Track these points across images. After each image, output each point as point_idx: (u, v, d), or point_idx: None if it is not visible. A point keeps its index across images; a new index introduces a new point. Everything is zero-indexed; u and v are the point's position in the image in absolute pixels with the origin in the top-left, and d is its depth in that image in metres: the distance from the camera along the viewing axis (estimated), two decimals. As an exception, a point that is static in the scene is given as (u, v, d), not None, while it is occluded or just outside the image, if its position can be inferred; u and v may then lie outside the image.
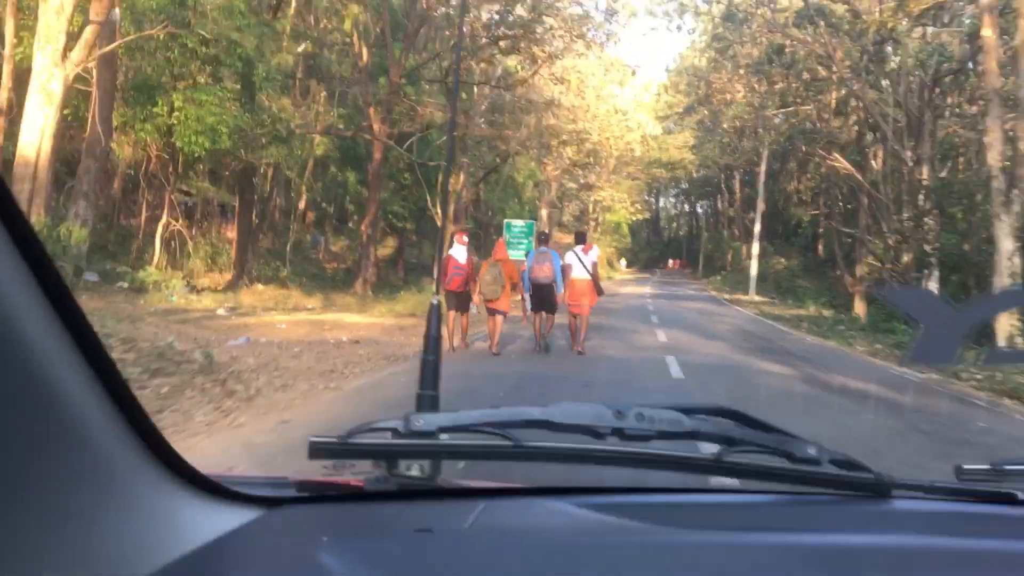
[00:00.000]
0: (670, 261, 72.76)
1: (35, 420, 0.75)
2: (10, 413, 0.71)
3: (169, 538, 0.94)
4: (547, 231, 13.41)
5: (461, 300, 11.95)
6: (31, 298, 0.72)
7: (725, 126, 44.31)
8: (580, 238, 13.03)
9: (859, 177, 28.03)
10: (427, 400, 4.20)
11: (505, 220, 29.16)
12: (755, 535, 1.14)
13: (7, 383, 0.70)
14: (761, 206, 38.21)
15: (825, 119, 34.59)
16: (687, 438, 1.20)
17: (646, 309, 23.99)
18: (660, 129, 50.71)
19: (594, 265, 12.38)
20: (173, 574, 0.89)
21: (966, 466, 1.37)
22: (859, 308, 32.57)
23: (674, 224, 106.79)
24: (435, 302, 4.84)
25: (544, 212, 51.04)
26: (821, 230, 49.52)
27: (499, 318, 11.92)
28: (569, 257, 12.36)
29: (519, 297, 12.62)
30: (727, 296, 37.28)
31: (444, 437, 1.19)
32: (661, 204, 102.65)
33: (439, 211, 30.52)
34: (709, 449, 1.21)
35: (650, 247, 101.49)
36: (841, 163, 28.33)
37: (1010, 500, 1.31)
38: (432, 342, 4.77)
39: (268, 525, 1.11)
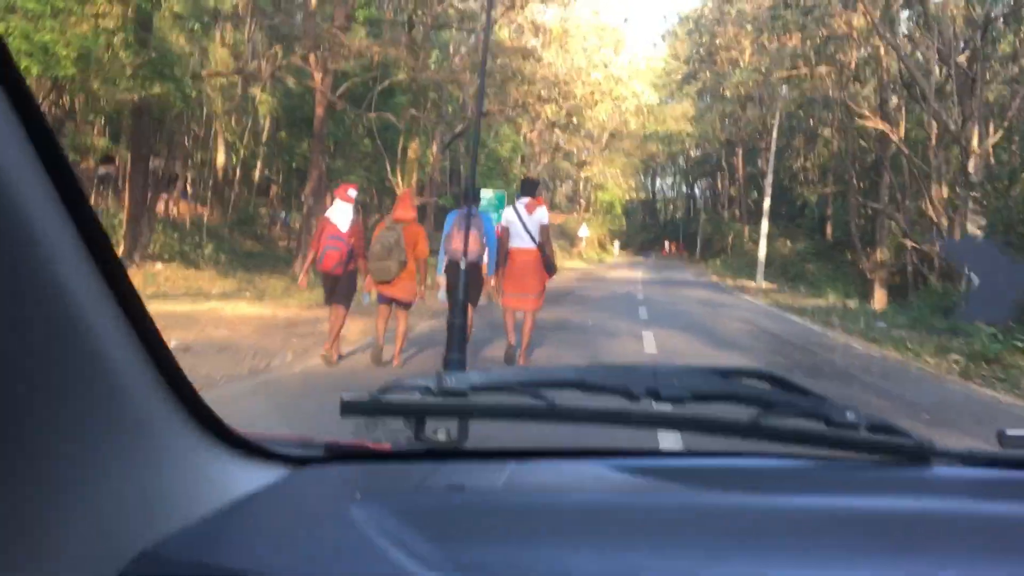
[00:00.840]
0: (666, 244, 68.34)
1: (70, 360, 0.74)
2: (46, 351, 0.71)
3: (200, 492, 0.95)
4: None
5: (341, 286, 7.82)
6: (67, 235, 0.71)
7: (728, 94, 39.94)
8: (528, 188, 8.50)
9: (897, 141, 23.77)
10: (454, 363, 4.08)
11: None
12: (792, 498, 1.11)
13: (43, 321, 0.70)
14: (770, 179, 33.89)
15: (844, 82, 30.35)
16: (723, 400, 1.17)
17: (634, 299, 19.78)
18: (657, 98, 46.41)
19: (543, 230, 8.13)
20: (204, 527, 0.91)
21: (1009, 432, 1.29)
22: (879, 296, 28.72)
23: (671, 207, 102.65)
24: (463, 267, 4.61)
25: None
26: (830, 211, 45.35)
27: (401, 313, 7.82)
28: (508, 216, 8.19)
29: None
30: (731, 282, 33.17)
31: (475, 397, 1.18)
32: (658, 186, 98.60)
33: (399, 181, 26.42)
34: (746, 412, 1.16)
35: (645, 230, 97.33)
36: (875, 123, 24.00)
37: None
38: (459, 306, 4.65)
39: (298, 483, 1.11)
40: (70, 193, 0.70)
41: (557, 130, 48.64)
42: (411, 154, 26.71)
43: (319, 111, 21.84)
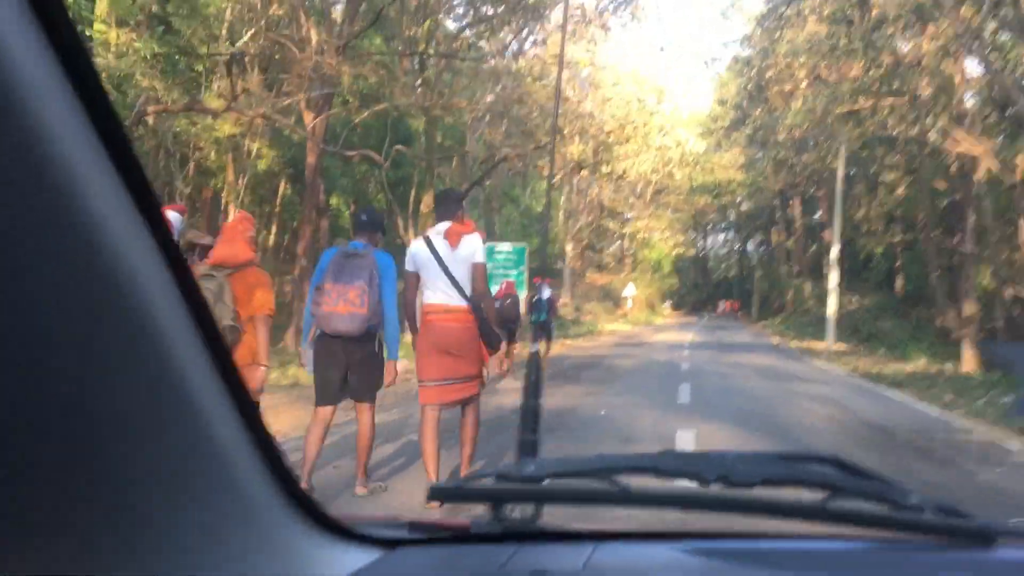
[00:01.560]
0: (720, 303, 64.22)
1: (182, 439, 0.77)
2: (162, 432, 0.74)
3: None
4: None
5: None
6: (171, 296, 0.72)
7: (781, 137, 36.52)
8: (446, 204, 5.13)
9: (987, 171, 20.10)
10: (528, 444, 2.75)
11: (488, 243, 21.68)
12: None
13: (160, 398, 0.73)
14: (837, 224, 30.28)
15: (916, 117, 26.75)
16: (792, 484, 1.17)
17: (676, 370, 16.23)
18: (704, 146, 43.19)
19: (478, 275, 4.78)
20: None
21: None
22: (967, 357, 24.61)
23: (723, 265, 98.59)
24: (534, 349, 3.03)
25: (569, 248, 43.82)
26: (899, 263, 41.21)
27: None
28: (415, 252, 5.00)
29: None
30: (795, 344, 29.29)
31: (552, 482, 1.21)
32: (709, 243, 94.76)
33: (412, 238, 23.50)
34: (814, 496, 1.17)
35: (697, 289, 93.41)
36: (969, 146, 20.39)
37: None
38: (532, 387, 2.87)
39: (390, 566, 1.16)
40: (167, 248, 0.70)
41: (597, 185, 45.75)
42: (424, 207, 23.78)
43: (311, 159, 19.11)
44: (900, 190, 40.87)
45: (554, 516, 1.28)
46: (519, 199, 41.70)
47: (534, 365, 3.56)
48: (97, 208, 0.62)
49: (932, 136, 21.88)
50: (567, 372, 14.47)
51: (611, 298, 46.49)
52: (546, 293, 15.14)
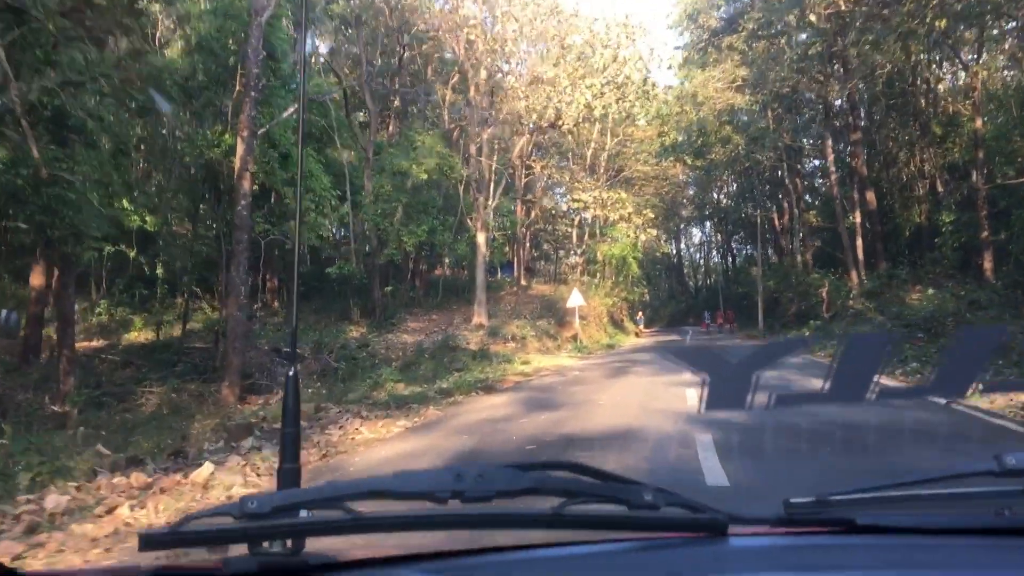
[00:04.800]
0: (706, 315, 48.73)
1: None
2: None
3: None
4: None
5: None
6: None
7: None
8: None
9: None
10: (288, 473, 4.01)
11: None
12: None
13: None
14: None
15: None
16: (528, 494, 1.18)
17: None
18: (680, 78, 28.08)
19: None
20: None
21: (793, 500, 1.36)
22: None
23: (700, 270, 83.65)
24: (291, 373, 4.43)
25: (481, 239, 28.33)
26: (986, 234, 26.18)
27: None
28: None
29: None
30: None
31: (278, 518, 1.17)
32: (683, 245, 79.85)
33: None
34: (550, 503, 1.19)
35: (674, 300, 78.27)
36: None
37: (843, 527, 1.33)
38: (290, 414, 4.42)
39: None
40: None
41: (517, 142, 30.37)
42: None
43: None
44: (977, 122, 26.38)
45: (322, 545, 1.22)
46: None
47: (292, 390, 4.55)
48: None
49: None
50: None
51: (553, 313, 30.96)
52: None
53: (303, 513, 1.19)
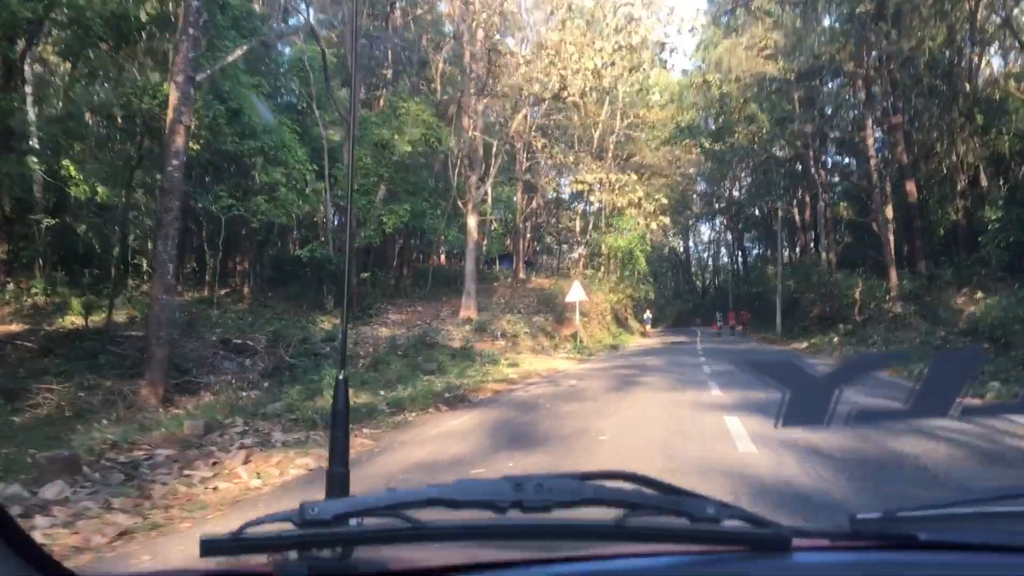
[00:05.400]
0: (718, 316, 45.42)
1: None
2: None
3: None
4: None
5: None
6: None
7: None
8: None
9: None
10: (337, 478, 3.68)
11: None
12: None
13: None
14: None
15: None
16: (588, 505, 1.15)
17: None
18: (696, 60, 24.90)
19: None
20: None
21: (859, 516, 1.33)
22: None
23: (708, 267, 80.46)
24: (341, 377, 3.97)
25: (472, 223, 25.34)
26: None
27: None
28: None
29: None
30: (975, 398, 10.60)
31: (339, 525, 1.16)
32: (691, 242, 76.53)
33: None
34: (611, 515, 1.16)
35: (680, 299, 74.95)
36: None
37: (909, 543, 1.31)
38: (340, 416, 3.97)
39: None
40: None
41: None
42: None
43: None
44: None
45: (365, 555, 1.23)
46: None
47: (342, 393, 4.17)
48: None
49: None
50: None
51: (552, 309, 27.95)
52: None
53: (352, 521, 1.16)
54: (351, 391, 11.92)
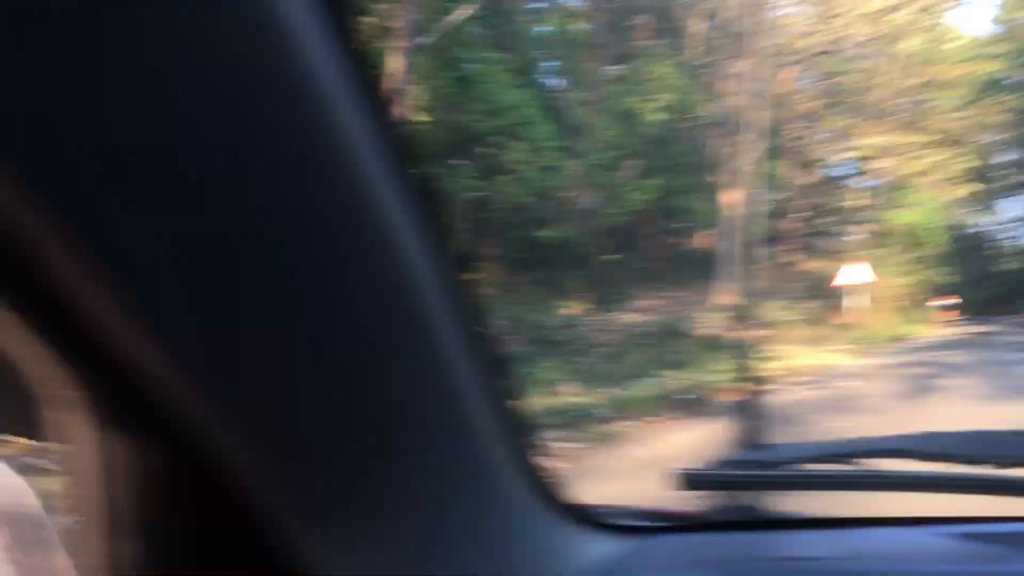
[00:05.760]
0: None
1: (446, 426, 0.74)
2: (432, 421, 0.72)
3: (546, 565, 0.94)
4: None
5: None
6: (445, 294, 0.70)
7: None
8: None
9: None
10: (753, 430, 2.09)
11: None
12: None
13: (430, 389, 0.71)
14: None
15: None
16: None
17: None
18: None
19: None
20: None
21: None
22: None
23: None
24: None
25: (731, 199, 22.97)
26: None
27: None
28: None
29: None
30: None
31: (792, 469, 1.16)
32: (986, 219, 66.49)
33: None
34: None
35: (976, 284, 65.37)
36: None
37: None
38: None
39: (640, 554, 1.12)
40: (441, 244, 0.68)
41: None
42: None
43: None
44: None
45: (791, 503, 1.20)
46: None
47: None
48: (384, 209, 0.60)
49: None
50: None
51: (826, 294, 24.78)
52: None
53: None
54: (567, 388, 10.33)
